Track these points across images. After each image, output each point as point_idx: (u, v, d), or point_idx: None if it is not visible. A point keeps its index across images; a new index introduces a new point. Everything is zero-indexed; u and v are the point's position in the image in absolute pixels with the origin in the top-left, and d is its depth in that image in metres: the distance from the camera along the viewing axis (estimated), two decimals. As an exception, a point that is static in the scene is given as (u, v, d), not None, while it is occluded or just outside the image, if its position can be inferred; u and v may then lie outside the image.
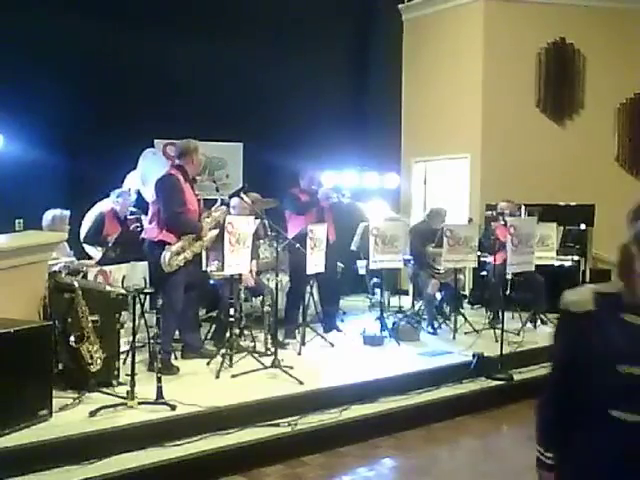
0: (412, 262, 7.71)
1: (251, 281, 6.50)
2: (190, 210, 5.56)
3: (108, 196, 6.85)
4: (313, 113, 9.12)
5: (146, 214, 6.07)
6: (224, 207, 5.94)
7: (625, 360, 2.00)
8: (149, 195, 6.02)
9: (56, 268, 5.27)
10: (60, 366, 4.71)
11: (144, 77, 8.11)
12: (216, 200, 6.04)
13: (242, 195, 6.18)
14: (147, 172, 6.90)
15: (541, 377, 6.34)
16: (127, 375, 4.65)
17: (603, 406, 2.04)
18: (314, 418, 4.89)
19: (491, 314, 7.57)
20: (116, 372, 4.96)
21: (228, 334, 5.76)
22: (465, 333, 7.15)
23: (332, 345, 6.59)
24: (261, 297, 6.74)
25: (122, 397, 4.56)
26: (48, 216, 6.14)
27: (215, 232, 5.72)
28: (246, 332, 6.42)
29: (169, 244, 5.42)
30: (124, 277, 5.30)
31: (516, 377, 6.14)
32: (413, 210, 10.21)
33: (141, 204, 6.87)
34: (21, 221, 7.19)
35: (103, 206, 6.90)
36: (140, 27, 7.94)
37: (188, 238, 5.52)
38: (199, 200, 5.83)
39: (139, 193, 7.06)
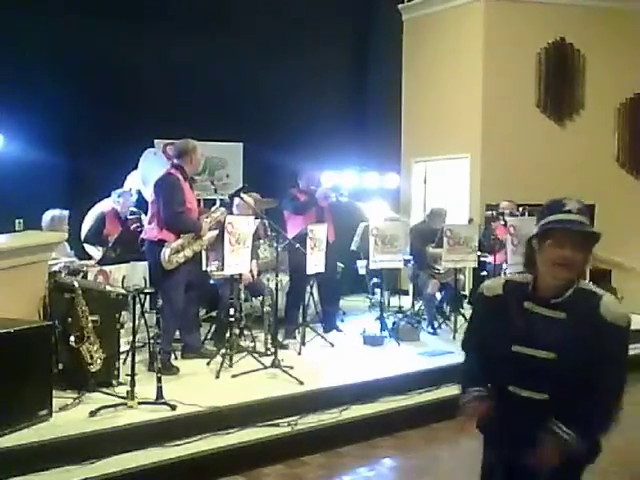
0: (412, 262, 7.71)
1: (250, 280, 6.50)
2: (190, 209, 5.57)
3: (109, 196, 6.85)
4: (313, 113, 9.12)
5: (147, 214, 6.07)
6: (223, 208, 5.94)
7: (518, 341, 2.26)
8: (150, 195, 6.02)
9: (56, 268, 5.27)
10: (60, 366, 4.71)
11: (144, 77, 8.11)
12: (215, 200, 6.04)
13: (242, 195, 6.19)
14: (148, 172, 6.90)
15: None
16: (127, 375, 4.65)
17: (503, 381, 2.31)
18: (314, 418, 4.89)
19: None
20: (116, 372, 4.96)
21: (228, 334, 5.76)
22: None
23: (332, 345, 6.59)
24: (261, 297, 6.75)
25: (122, 397, 4.56)
26: (47, 216, 6.14)
27: (215, 232, 5.73)
28: (246, 332, 6.42)
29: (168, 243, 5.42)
30: (124, 277, 5.31)
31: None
32: (413, 210, 10.19)
33: (142, 204, 6.86)
34: (21, 221, 7.19)
35: (104, 206, 6.90)
36: (140, 27, 7.95)
37: (188, 237, 5.52)
38: (198, 200, 5.83)
39: (140, 193, 7.06)
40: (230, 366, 5.59)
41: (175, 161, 5.72)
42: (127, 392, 4.55)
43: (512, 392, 2.28)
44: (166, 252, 5.36)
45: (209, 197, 6.98)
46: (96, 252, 6.54)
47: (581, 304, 2.23)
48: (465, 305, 8.60)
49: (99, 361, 4.72)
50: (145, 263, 5.73)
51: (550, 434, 2.18)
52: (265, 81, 8.78)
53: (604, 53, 9.62)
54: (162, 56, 8.11)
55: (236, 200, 6.37)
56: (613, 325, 2.18)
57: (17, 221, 7.22)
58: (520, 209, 7.72)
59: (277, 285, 6.03)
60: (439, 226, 7.49)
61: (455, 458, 5.06)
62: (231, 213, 6.26)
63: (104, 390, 4.74)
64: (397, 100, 10.36)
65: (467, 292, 9.03)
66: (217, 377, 5.39)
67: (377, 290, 8.22)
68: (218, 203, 5.94)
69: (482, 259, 7.76)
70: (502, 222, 7.19)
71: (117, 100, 7.83)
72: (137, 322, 4.87)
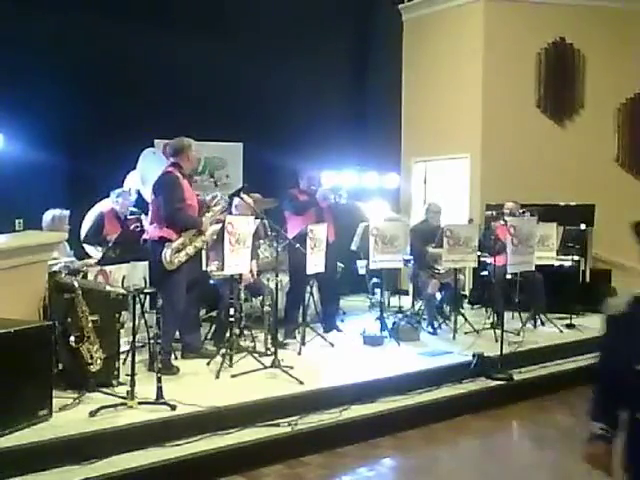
0: (412, 262, 7.70)
1: (251, 280, 6.50)
2: (190, 206, 5.57)
3: (108, 196, 6.85)
4: (313, 113, 9.12)
5: (146, 214, 6.06)
6: (223, 201, 5.90)
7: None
8: (149, 195, 6.02)
9: (56, 268, 5.26)
10: (60, 366, 4.71)
11: (144, 77, 8.11)
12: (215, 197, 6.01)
13: (242, 195, 6.18)
14: (147, 172, 6.90)
15: (541, 377, 6.35)
16: (127, 375, 4.64)
17: (632, 409, 2.03)
18: (314, 418, 4.89)
19: (489, 315, 7.52)
20: (116, 372, 4.95)
21: (228, 334, 5.76)
22: (465, 333, 7.15)
23: (332, 345, 6.59)
24: (261, 297, 6.74)
25: (122, 397, 4.56)
26: (48, 216, 6.14)
27: (217, 226, 5.71)
28: (246, 332, 6.42)
29: (169, 241, 5.42)
30: (124, 277, 5.30)
31: (516, 377, 6.13)
32: (413, 210, 10.20)
33: (141, 204, 6.86)
34: (21, 221, 7.19)
35: (103, 206, 6.90)
36: (140, 27, 7.94)
37: (189, 234, 5.51)
38: (199, 199, 5.82)
39: (139, 193, 7.06)
40: (230, 366, 5.59)
41: (172, 159, 5.72)
42: (127, 392, 4.55)
43: None
44: (167, 253, 5.35)
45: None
46: (96, 252, 6.53)
47: None
48: (465, 305, 8.61)
49: (99, 361, 4.72)
50: (145, 263, 5.72)
51: None
52: (265, 81, 8.79)
53: (604, 53, 9.63)
54: (162, 56, 8.11)
55: (236, 200, 6.36)
56: None
57: (17, 221, 7.22)
58: (520, 209, 7.72)
59: (277, 285, 6.03)
60: (437, 222, 7.50)
61: (455, 458, 5.07)
62: (231, 213, 6.25)
63: (104, 390, 4.73)
64: (397, 100, 10.37)
65: (467, 292, 9.03)
66: (217, 377, 5.38)
67: (377, 290, 8.22)
68: (219, 195, 5.89)
69: (482, 259, 7.76)
70: (502, 222, 7.18)
71: (117, 100, 7.83)
72: (137, 322, 4.87)
